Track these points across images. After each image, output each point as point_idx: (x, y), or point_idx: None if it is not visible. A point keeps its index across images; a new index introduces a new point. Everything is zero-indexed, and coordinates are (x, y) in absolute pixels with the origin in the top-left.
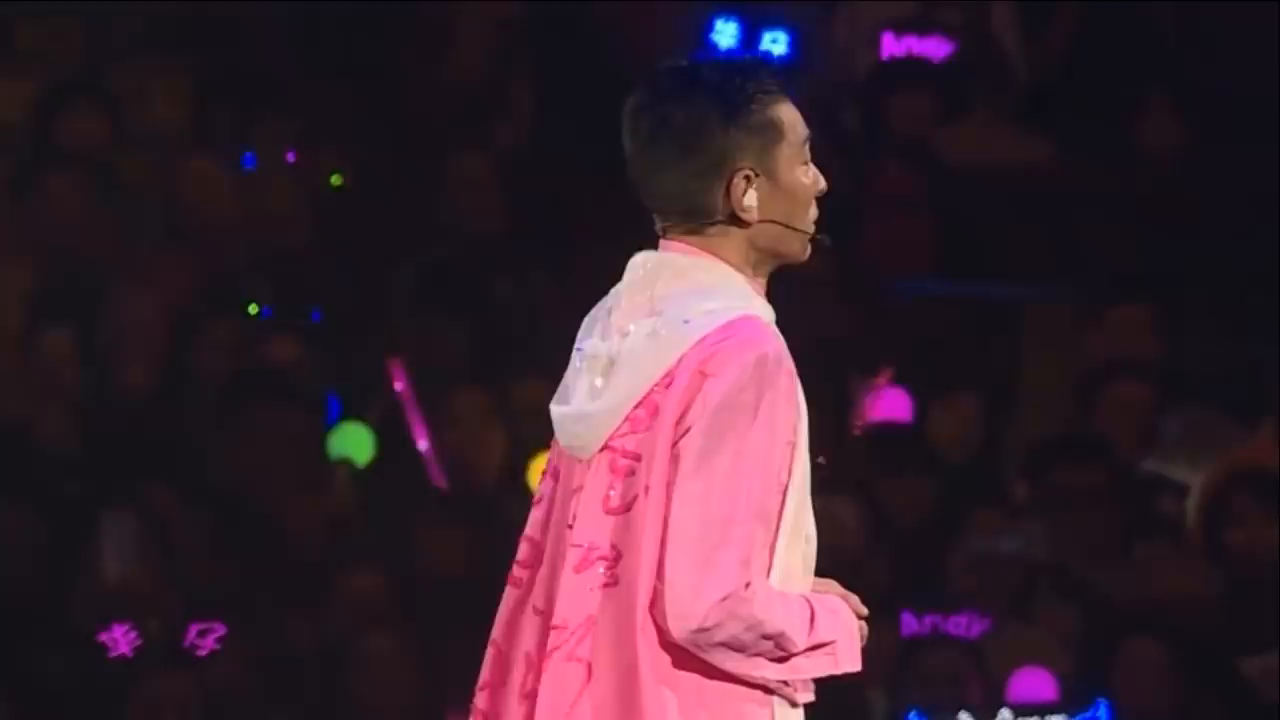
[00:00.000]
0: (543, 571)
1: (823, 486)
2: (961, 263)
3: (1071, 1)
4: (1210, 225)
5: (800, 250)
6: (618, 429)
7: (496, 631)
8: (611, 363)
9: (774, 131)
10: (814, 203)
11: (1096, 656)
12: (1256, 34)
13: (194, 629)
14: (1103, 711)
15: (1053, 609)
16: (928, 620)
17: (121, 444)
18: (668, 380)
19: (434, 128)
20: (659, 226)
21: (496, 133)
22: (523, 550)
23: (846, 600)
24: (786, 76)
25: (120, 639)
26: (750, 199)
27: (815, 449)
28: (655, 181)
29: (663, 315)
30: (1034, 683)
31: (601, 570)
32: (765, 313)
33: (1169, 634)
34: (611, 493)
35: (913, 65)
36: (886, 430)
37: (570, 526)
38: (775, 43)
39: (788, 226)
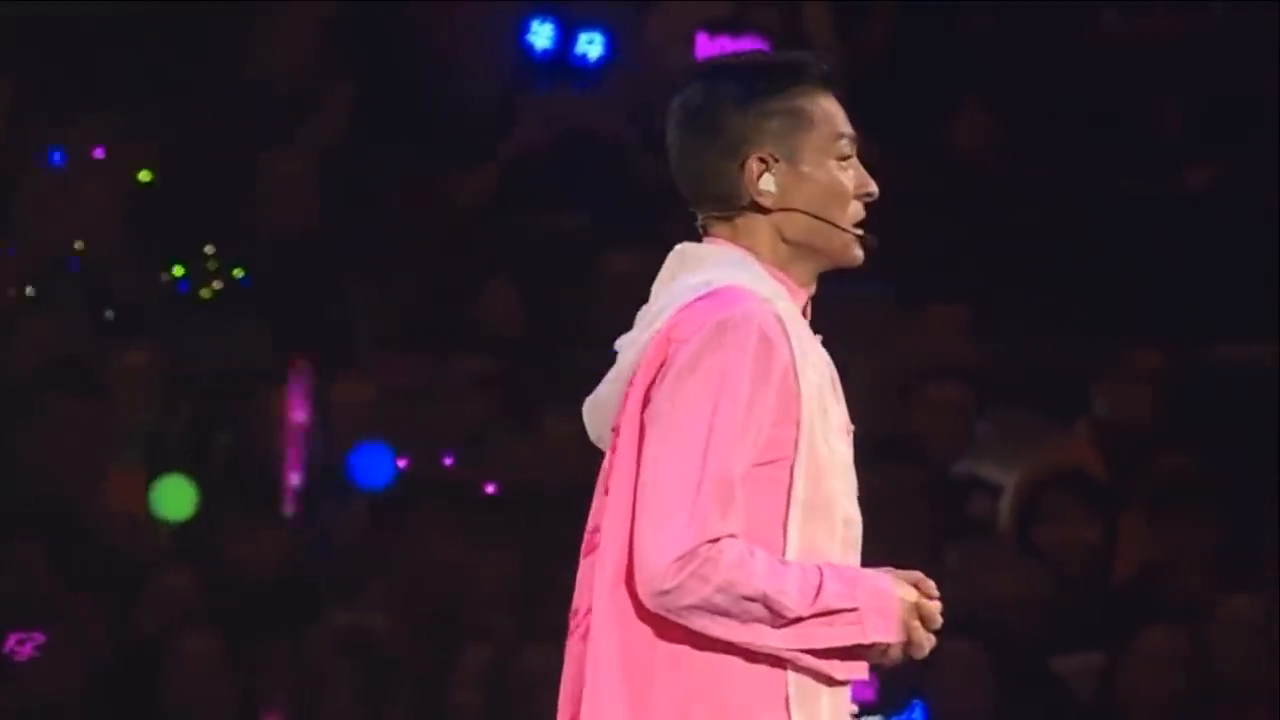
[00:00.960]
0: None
1: None
2: None
3: (886, 2)
4: (1024, 225)
5: (841, 248)
6: (618, 411)
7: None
8: (619, 354)
9: (799, 118)
10: (857, 203)
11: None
12: (1070, 35)
13: (13, 637)
14: (918, 713)
15: None
16: None
17: None
18: (644, 363)
19: (247, 126)
20: (698, 220)
21: (311, 132)
22: (594, 519)
23: (919, 585)
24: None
25: None
26: (767, 183)
27: None
28: (682, 169)
29: (660, 301)
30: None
31: (598, 551)
32: (769, 293)
33: (984, 634)
34: (609, 474)
35: None
36: None
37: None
38: (591, 43)
39: (817, 218)
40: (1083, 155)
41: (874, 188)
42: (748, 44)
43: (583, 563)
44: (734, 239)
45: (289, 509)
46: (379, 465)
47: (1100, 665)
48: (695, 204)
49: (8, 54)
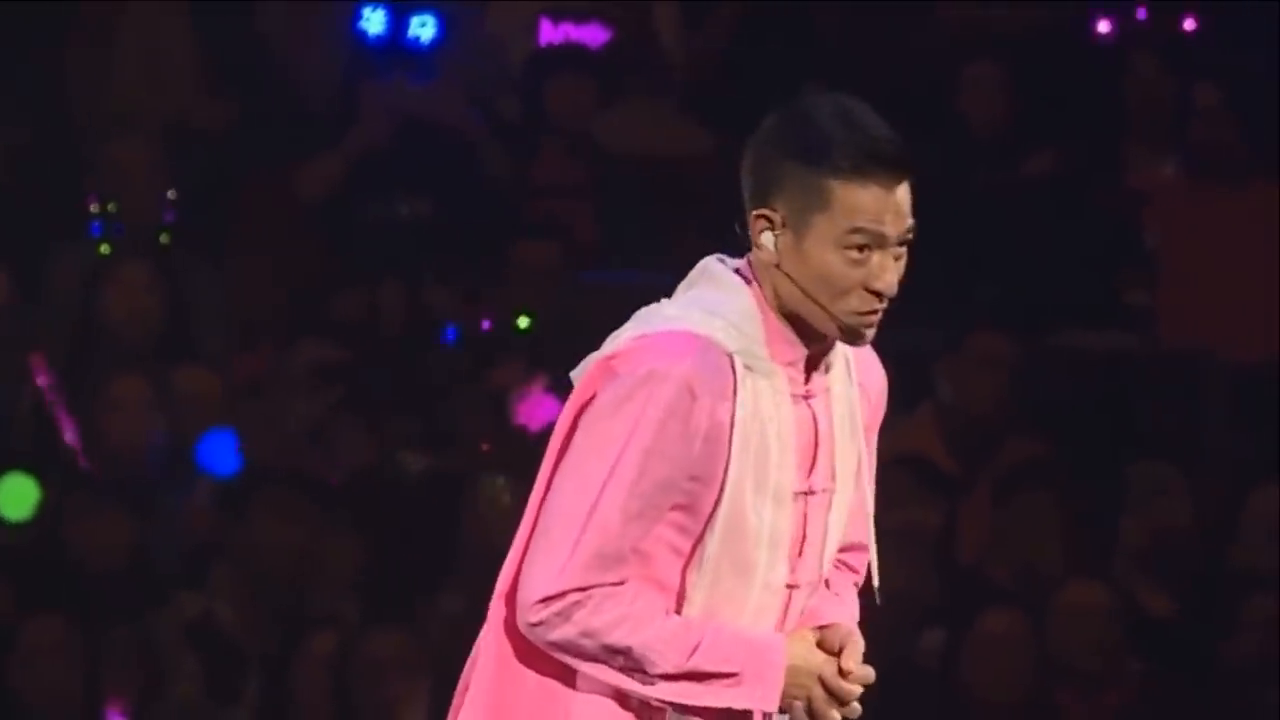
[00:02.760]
0: None
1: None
2: (620, 251)
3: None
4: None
5: (832, 330)
6: None
7: None
8: None
9: (821, 199)
10: (865, 295)
11: None
12: (918, 31)
13: None
14: None
15: None
16: None
17: None
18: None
19: (94, 113)
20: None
21: (157, 118)
22: None
23: (834, 647)
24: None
25: None
26: (766, 240)
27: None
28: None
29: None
30: None
31: None
32: (741, 342)
33: None
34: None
35: (571, 52)
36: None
37: None
38: (424, 26)
39: (807, 295)
40: (925, 143)
41: (887, 286)
42: (592, 32)
43: None
44: (751, 274)
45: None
46: (225, 454)
47: (942, 646)
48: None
49: None
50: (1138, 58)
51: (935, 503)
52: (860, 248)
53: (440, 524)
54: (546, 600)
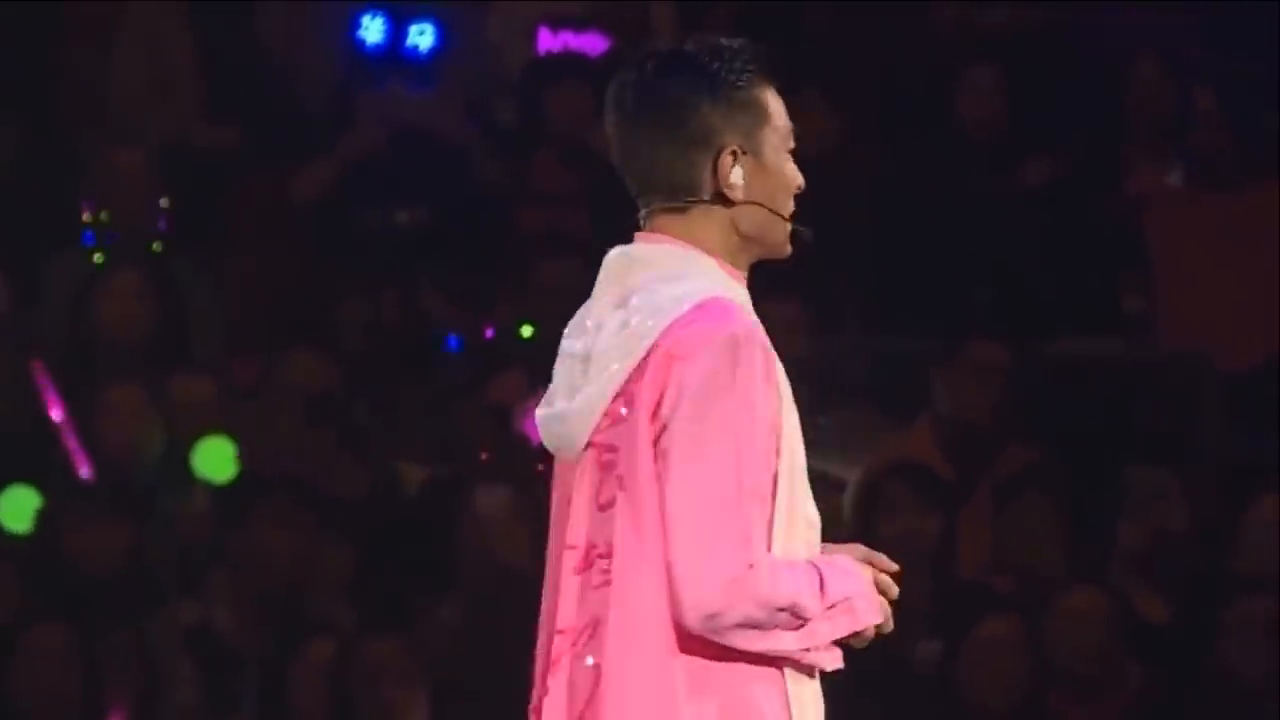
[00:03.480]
0: (547, 581)
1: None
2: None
3: (728, 1)
4: (864, 220)
5: (783, 241)
6: (598, 425)
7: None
8: (587, 359)
9: (762, 112)
10: (792, 196)
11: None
12: (909, 31)
13: None
14: None
15: None
16: None
17: None
18: (641, 370)
19: (90, 119)
20: (641, 213)
21: (155, 127)
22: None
23: (871, 559)
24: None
25: None
26: (737, 175)
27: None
28: (641, 160)
29: (631, 305)
30: None
31: (600, 569)
32: (738, 296)
33: None
34: (600, 489)
35: (570, 60)
36: None
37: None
38: (422, 34)
39: (772, 211)
40: (922, 150)
41: (802, 181)
42: (591, 40)
43: (569, 579)
44: (681, 232)
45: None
46: (221, 460)
47: (940, 654)
48: (644, 194)
49: None
50: (1137, 62)
51: (933, 511)
52: (792, 150)
53: (438, 531)
54: (732, 582)
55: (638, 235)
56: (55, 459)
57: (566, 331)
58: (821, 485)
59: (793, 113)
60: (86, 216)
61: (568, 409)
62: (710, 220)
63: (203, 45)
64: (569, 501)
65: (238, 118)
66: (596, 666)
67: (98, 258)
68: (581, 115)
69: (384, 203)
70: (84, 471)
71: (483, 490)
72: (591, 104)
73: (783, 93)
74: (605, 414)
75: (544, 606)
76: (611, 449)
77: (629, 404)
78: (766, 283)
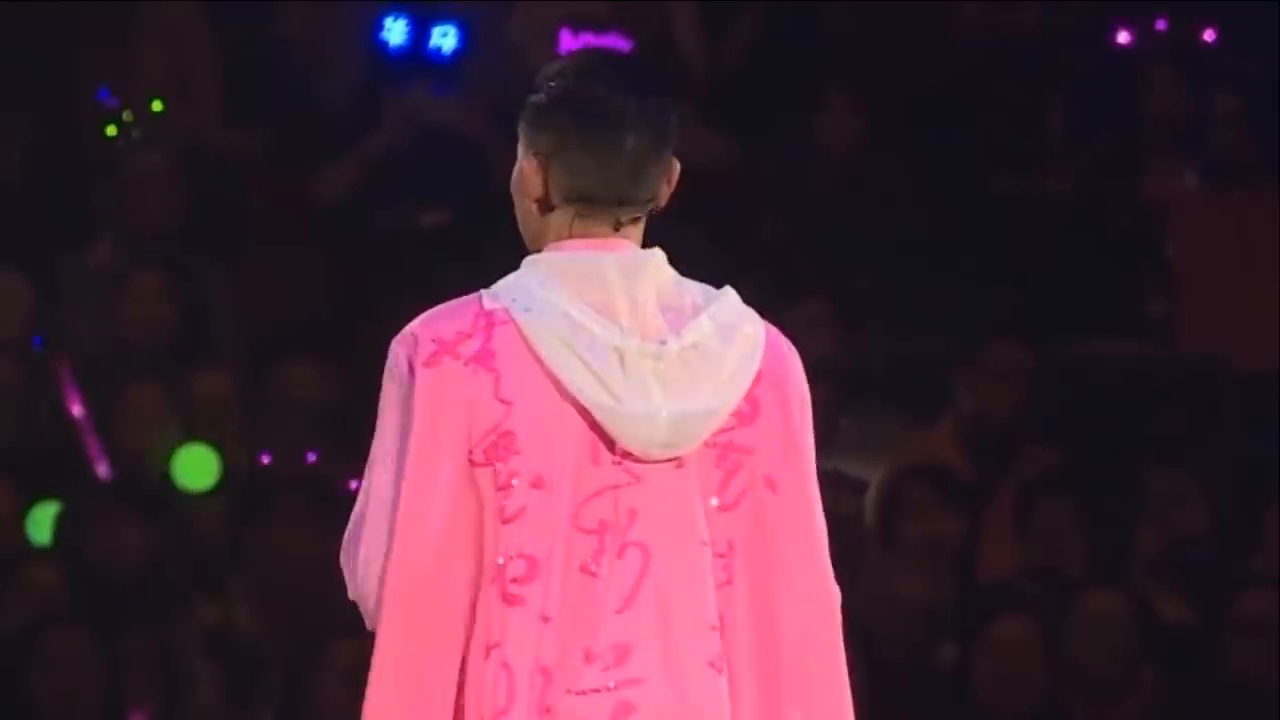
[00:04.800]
0: (556, 580)
1: None
2: None
3: (752, 1)
4: (887, 221)
5: None
6: (724, 425)
7: (510, 654)
8: (676, 358)
9: None
10: None
11: None
12: (931, 32)
13: None
14: None
15: None
16: None
17: None
18: (759, 377)
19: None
20: (615, 221)
21: (179, 128)
22: (518, 568)
23: None
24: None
25: None
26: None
27: None
28: (646, 172)
29: (712, 307)
30: None
31: (720, 567)
32: None
33: (852, 630)
34: (723, 489)
35: None
36: None
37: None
38: (445, 36)
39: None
40: (946, 151)
41: None
42: (612, 42)
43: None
44: (639, 239)
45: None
46: (201, 468)
47: (956, 656)
48: (631, 207)
49: None
50: (1157, 68)
51: (955, 512)
52: None
53: None
54: (838, 596)
55: (611, 240)
56: (77, 460)
57: (571, 321)
58: (843, 486)
59: (816, 114)
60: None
61: (696, 409)
62: (641, 228)
63: (224, 47)
64: (611, 496)
65: (259, 120)
66: (728, 671)
67: (118, 257)
68: None
69: (405, 204)
70: (103, 472)
71: None
72: None
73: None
74: (733, 414)
75: (530, 608)
76: (745, 450)
77: (755, 406)
78: (790, 283)
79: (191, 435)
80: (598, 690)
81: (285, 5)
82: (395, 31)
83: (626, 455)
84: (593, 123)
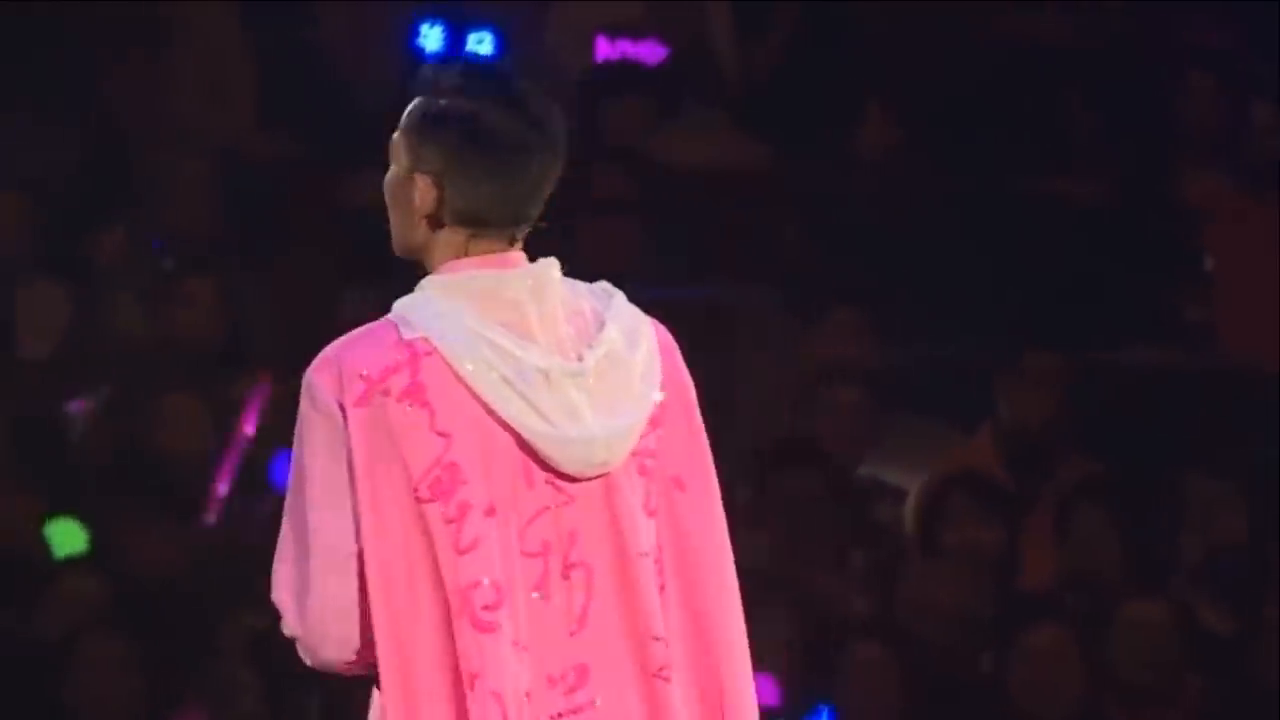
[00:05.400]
0: (520, 601)
1: None
2: (674, 266)
3: (788, 3)
4: (926, 228)
5: None
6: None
7: (494, 683)
8: (594, 373)
9: None
10: None
11: (817, 662)
12: (967, 38)
13: None
14: (825, 717)
15: (771, 613)
16: None
17: None
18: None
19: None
20: (510, 238)
21: (214, 136)
22: (487, 595)
23: None
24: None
25: None
26: None
27: None
28: (540, 187)
29: (611, 312)
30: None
31: (656, 574)
32: None
33: (892, 638)
34: (651, 495)
35: (627, 69)
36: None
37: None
38: (480, 42)
39: None
40: (982, 158)
41: None
42: (648, 48)
43: (651, 588)
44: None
45: (212, 516)
46: (70, 538)
47: (994, 664)
48: (527, 222)
49: None
50: (1194, 74)
51: (995, 521)
52: None
53: None
54: None
55: (508, 254)
56: (113, 467)
57: (493, 345)
58: (883, 495)
59: (851, 119)
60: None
61: (614, 427)
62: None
63: (260, 52)
64: (555, 515)
65: (295, 126)
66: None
67: (163, 266)
68: (639, 122)
69: None
70: (142, 479)
71: None
72: (649, 111)
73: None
74: (650, 424)
75: (504, 633)
76: (653, 454)
77: (659, 408)
78: (830, 291)
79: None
80: (562, 715)
81: (321, 10)
82: (431, 37)
83: (558, 475)
84: (495, 146)
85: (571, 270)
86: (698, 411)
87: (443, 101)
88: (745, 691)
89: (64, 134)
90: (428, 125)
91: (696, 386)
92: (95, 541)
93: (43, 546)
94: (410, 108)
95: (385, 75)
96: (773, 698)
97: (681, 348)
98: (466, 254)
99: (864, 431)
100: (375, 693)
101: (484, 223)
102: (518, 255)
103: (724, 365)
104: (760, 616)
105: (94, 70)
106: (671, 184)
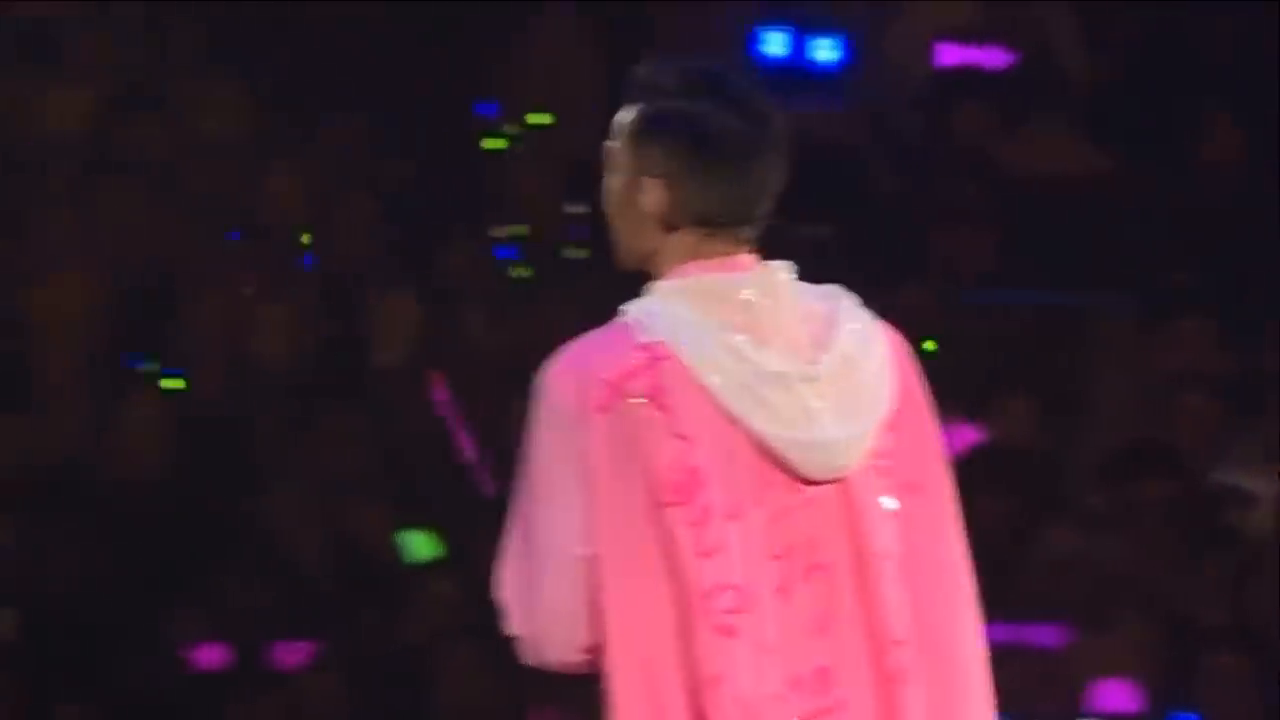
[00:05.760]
0: (764, 605)
1: None
2: (1023, 273)
3: (1134, 3)
4: (1276, 235)
5: None
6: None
7: (734, 687)
8: (830, 376)
9: None
10: None
11: (1177, 669)
12: None
13: (281, 646)
14: None
15: (1130, 620)
16: (1004, 630)
17: (211, 451)
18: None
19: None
20: (739, 239)
21: (562, 139)
22: (728, 600)
23: None
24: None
25: (209, 655)
26: None
27: None
28: (771, 191)
29: (842, 313)
30: (1116, 694)
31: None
32: None
33: (1250, 646)
34: (884, 498)
35: (971, 75)
36: (968, 450)
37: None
38: (824, 49)
39: None
40: None
41: None
42: (991, 54)
43: (894, 590)
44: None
45: None
46: (424, 545)
47: None
48: (756, 222)
49: (251, 62)
50: None
51: None
52: None
53: None
54: None
55: (736, 258)
56: (457, 472)
57: (730, 349)
58: (1236, 501)
59: (1196, 127)
60: (500, 231)
61: (851, 430)
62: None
63: (608, 61)
64: (791, 517)
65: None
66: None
67: (521, 271)
68: (983, 128)
69: (786, 216)
70: (485, 481)
71: None
72: (993, 117)
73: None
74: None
75: (747, 638)
76: (889, 456)
77: (893, 410)
78: (1181, 298)
79: None
80: (811, 716)
81: (662, 17)
82: (773, 43)
83: (796, 478)
84: (722, 146)
85: (918, 278)
86: (932, 415)
87: (667, 104)
88: (978, 701)
89: (411, 138)
90: (655, 128)
91: (1049, 391)
92: (450, 546)
93: (401, 553)
94: (630, 113)
95: None
96: (1134, 703)
97: (1033, 354)
98: (698, 256)
99: (1216, 439)
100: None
101: (716, 223)
102: (748, 258)
103: (1075, 371)
104: (1116, 621)
105: (445, 74)
106: (1020, 191)
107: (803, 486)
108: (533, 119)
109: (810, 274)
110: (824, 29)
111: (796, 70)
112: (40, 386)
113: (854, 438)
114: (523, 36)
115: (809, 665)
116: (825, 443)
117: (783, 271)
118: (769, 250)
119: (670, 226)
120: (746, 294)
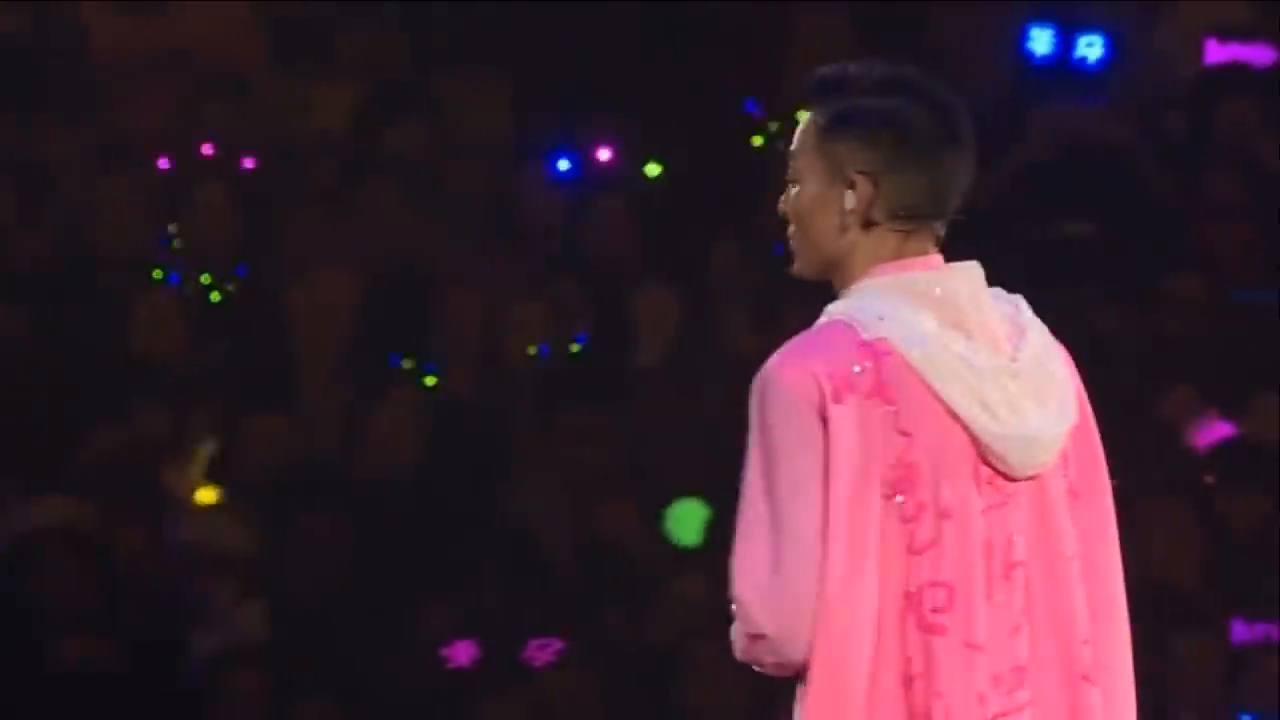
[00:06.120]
0: (974, 602)
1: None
2: None
3: None
4: None
5: None
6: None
7: (938, 684)
8: (1016, 375)
9: None
10: None
11: None
12: None
13: (532, 643)
14: None
15: None
16: (1260, 628)
17: (464, 449)
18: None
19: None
20: (934, 236)
21: None
22: (937, 597)
23: None
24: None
25: (461, 653)
26: None
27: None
28: (964, 179)
29: (1026, 316)
30: None
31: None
32: None
33: None
34: (1067, 498)
35: (1239, 72)
36: (1220, 445)
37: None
38: (1091, 46)
39: None
40: None
41: None
42: (1259, 51)
43: (1079, 589)
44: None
45: None
46: (690, 523)
47: None
48: (947, 216)
49: (512, 59)
50: None
51: None
52: None
53: None
54: None
55: (930, 257)
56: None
57: (946, 345)
58: None
59: None
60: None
61: (1051, 426)
62: None
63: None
64: (991, 515)
65: None
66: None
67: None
68: (1250, 127)
69: (1051, 214)
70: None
71: None
72: (1260, 117)
73: None
74: (1074, 437)
75: (953, 635)
76: (1070, 460)
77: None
78: None
79: None
80: (1006, 714)
81: (933, 14)
82: (1041, 41)
83: (999, 475)
84: (921, 141)
85: (1178, 275)
86: (1095, 424)
87: (864, 101)
88: (1128, 706)
89: (675, 135)
90: (854, 124)
91: None
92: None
93: (651, 549)
94: (818, 114)
95: (995, 78)
96: None
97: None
98: (899, 255)
99: None
100: (799, 689)
101: (918, 218)
102: (939, 257)
103: None
104: None
105: (713, 72)
106: None
107: (1004, 484)
108: (800, 117)
109: (1073, 270)
110: (1090, 26)
111: (1062, 68)
112: (298, 385)
113: (1054, 435)
114: (792, 35)
115: (1009, 663)
116: (1031, 437)
117: (979, 269)
118: (1032, 247)
119: (870, 224)
120: (949, 291)
